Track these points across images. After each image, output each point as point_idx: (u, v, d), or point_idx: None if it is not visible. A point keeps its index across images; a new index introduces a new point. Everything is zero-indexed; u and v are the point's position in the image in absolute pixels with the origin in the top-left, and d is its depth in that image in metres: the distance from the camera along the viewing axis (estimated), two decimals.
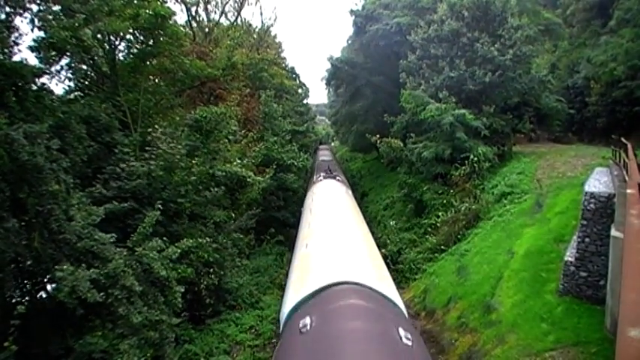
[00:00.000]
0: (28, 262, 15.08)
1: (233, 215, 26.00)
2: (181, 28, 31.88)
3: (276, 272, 30.17)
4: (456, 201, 30.15)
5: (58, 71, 20.36)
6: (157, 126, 21.47)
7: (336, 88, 67.81)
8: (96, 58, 21.84)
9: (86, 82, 23.56)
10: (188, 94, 32.40)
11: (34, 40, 17.75)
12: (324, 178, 38.08)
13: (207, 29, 46.51)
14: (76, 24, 17.58)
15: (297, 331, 10.67)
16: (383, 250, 27.10)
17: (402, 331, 10.11)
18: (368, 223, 28.51)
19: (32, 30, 17.24)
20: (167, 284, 16.53)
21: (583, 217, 16.54)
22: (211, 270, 21.63)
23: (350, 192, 36.27)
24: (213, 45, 40.58)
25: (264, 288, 27.73)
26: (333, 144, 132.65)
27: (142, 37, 23.75)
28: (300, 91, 72.23)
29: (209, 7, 49.37)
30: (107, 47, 22.77)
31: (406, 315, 13.97)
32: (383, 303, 12.42)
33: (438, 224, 29.99)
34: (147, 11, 22.62)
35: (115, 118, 21.33)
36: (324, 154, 74.45)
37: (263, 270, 30.08)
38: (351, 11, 54.50)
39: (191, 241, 18.36)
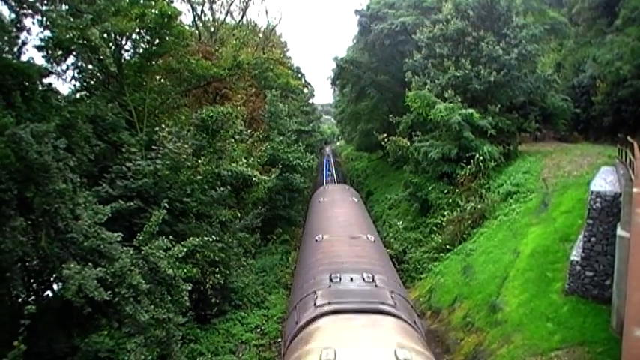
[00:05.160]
0: (35, 261, 15.19)
1: (239, 214, 26.04)
2: (187, 28, 31.93)
3: (281, 271, 30.23)
4: (461, 200, 30.09)
5: (64, 71, 20.52)
6: (163, 125, 21.53)
7: (342, 88, 67.70)
8: (102, 57, 21.93)
9: (92, 82, 23.67)
10: (194, 93, 32.45)
11: (41, 40, 17.87)
12: None
13: (212, 29, 46.50)
14: (83, 24, 17.64)
15: None
16: (389, 250, 27.04)
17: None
18: (374, 222, 28.43)
19: (42, 31, 17.37)
20: (173, 282, 16.60)
21: (589, 216, 16.51)
22: (217, 269, 21.68)
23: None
24: (219, 44, 40.63)
25: (269, 287, 27.81)
26: (338, 143, 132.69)
27: (148, 37, 23.81)
28: (305, 90, 72.11)
29: (214, 6, 49.36)
30: (113, 47, 22.84)
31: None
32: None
33: (444, 223, 29.94)
34: (153, 11, 22.70)
35: (121, 118, 21.45)
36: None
37: (269, 269, 30.16)
38: (356, 11, 54.52)
39: (197, 239, 18.43)
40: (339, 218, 22.75)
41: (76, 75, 22.23)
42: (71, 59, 20.93)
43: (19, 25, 16.03)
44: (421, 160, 34.84)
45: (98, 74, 23.78)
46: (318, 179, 68.31)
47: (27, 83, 16.08)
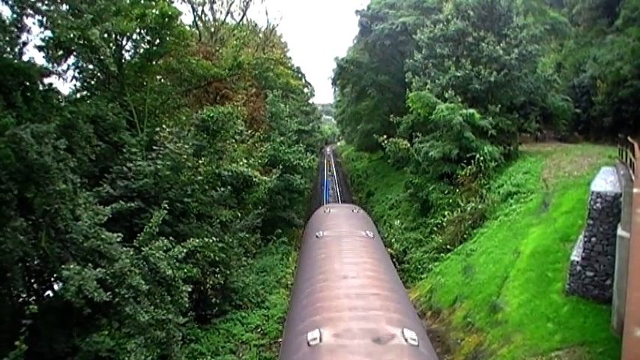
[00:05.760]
0: (35, 262, 15.19)
1: (239, 215, 26.03)
2: (187, 28, 31.97)
3: (282, 272, 30.22)
4: (462, 200, 30.09)
5: (65, 71, 20.49)
6: (163, 125, 21.55)
7: (342, 88, 67.95)
8: (103, 57, 21.94)
9: (93, 82, 23.69)
10: (194, 93, 32.49)
11: (41, 40, 17.86)
12: None
13: (213, 29, 46.64)
14: (84, 24, 17.63)
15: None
16: (389, 250, 27.01)
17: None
18: (374, 222, 28.22)
19: (43, 31, 17.36)
20: (173, 283, 16.56)
21: (589, 216, 16.49)
22: (217, 269, 21.68)
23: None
24: (220, 45, 40.71)
25: (270, 287, 27.78)
26: (338, 143, 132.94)
27: (148, 37, 23.84)
28: (305, 90, 72.41)
29: (215, 6, 49.54)
30: (114, 47, 22.87)
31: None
32: None
33: (444, 224, 29.95)
34: (154, 11, 22.72)
35: (121, 118, 21.44)
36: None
37: (269, 269, 30.14)
38: (357, 11, 54.59)
39: (197, 240, 18.38)
40: (348, 281, 13.47)
41: (76, 75, 22.26)
42: (72, 59, 20.93)
43: (19, 25, 15.99)
44: (421, 161, 34.88)
45: (99, 74, 23.81)
46: (319, 179, 68.43)
47: (27, 83, 16.05)
